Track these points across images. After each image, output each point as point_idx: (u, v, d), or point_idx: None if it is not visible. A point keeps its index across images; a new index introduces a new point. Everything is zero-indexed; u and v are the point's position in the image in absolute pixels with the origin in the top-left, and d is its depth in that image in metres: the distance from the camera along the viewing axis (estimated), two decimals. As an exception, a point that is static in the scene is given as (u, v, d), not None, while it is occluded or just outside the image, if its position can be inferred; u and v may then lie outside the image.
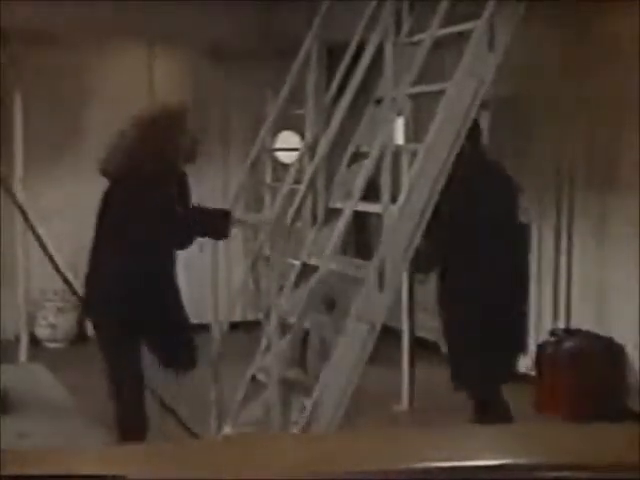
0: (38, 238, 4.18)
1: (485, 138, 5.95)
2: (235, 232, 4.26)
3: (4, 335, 6.12)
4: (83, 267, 6.22)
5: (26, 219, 4.37)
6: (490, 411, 3.73)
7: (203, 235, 3.66)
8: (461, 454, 1.28)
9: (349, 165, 3.94)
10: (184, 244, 3.48)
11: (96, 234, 3.52)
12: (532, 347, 5.30)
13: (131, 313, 3.37)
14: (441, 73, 3.73)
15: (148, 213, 3.27)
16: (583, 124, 5.10)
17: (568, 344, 4.89)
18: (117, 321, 3.40)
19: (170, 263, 3.49)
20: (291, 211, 3.72)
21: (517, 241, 3.84)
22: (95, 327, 3.63)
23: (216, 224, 3.45)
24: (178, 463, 1.27)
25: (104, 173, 3.47)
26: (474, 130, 3.79)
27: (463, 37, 3.70)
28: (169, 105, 3.48)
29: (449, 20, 3.64)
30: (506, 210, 3.80)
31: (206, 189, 6.26)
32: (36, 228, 4.12)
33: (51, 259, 4.30)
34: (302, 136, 4.63)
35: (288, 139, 5.98)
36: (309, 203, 4.00)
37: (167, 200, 3.32)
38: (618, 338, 4.86)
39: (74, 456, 1.34)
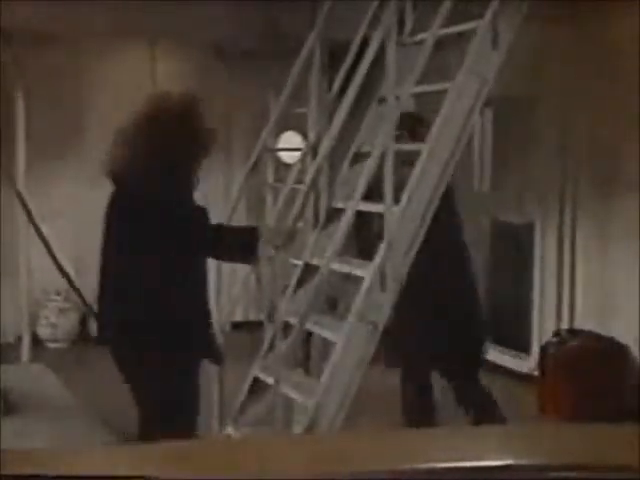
0: (42, 238, 4.18)
1: (488, 136, 5.96)
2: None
3: (6, 335, 6.12)
4: (85, 267, 6.21)
5: (30, 217, 4.37)
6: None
7: (229, 261, 3.48)
8: (465, 455, 1.28)
9: (351, 165, 3.94)
10: (207, 251, 3.13)
11: (105, 247, 3.21)
12: (535, 348, 5.29)
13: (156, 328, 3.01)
14: (444, 72, 3.73)
15: (164, 216, 2.98)
16: (587, 123, 5.09)
17: (572, 344, 4.88)
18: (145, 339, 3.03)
19: (196, 272, 3.10)
20: (293, 211, 3.71)
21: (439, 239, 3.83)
22: (118, 350, 3.17)
23: (244, 249, 3.18)
24: (181, 463, 1.27)
25: (112, 176, 3.16)
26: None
27: (465, 36, 3.69)
28: (173, 98, 3.23)
29: (452, 19, 3.64)
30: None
31: (208, 189, 6.26)
32: (39, 227, 4.11)
33: (54, 258, 4.29)
34: (304, 136, 4.63)
35: (290, 139, 5.98)
36: (311, 203, 4.00)
37: (184, 201, 3.07)
38: (622, 338, 4.85)
39: (76, 456, 1.34)
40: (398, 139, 3.55)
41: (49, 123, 6.20)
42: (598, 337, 4.91)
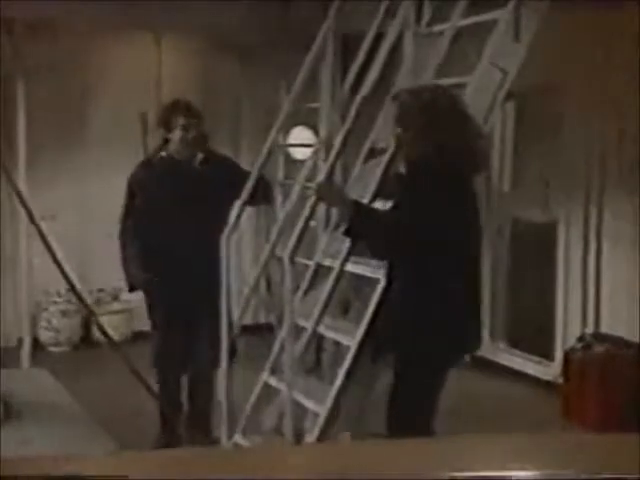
0: (43, 238, 4.20)
1: (509, 132, 5.93)
2: (245, 227, 4.30)
3: (6, 339, 6.15)
4: (86, 268, 6.19)
5: (30, 218, 4.40)
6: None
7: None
8: (486, 464, 1.27)
9: (365, 162, 3.94)
10: None
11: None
12: (559, 354, 5.27)
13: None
14: (463, 65, 3.71)
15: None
16: (614, 120, 5.06)
17: (597, 350, 4.86)
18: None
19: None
20: (305, 210, 3.72)
21: None
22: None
23: None
24: (184, 469, 1.27)
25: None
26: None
27: (486, 27, 3.68)
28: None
29: (472, 8, 3.62)
30: None
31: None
32: (41, 227, 4.14)
33: (55, 259, 4.31)
34: (316, 131, 4.63)
35: (301, 134, 5.98)
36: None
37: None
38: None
39: (78, 463, 1.34)
40: None
41: (51, 116, 6.22)
42: (625, 342, 4.88)
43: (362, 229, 3.18)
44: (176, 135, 4.02)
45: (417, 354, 3.05)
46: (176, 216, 3.96)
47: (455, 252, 3.01)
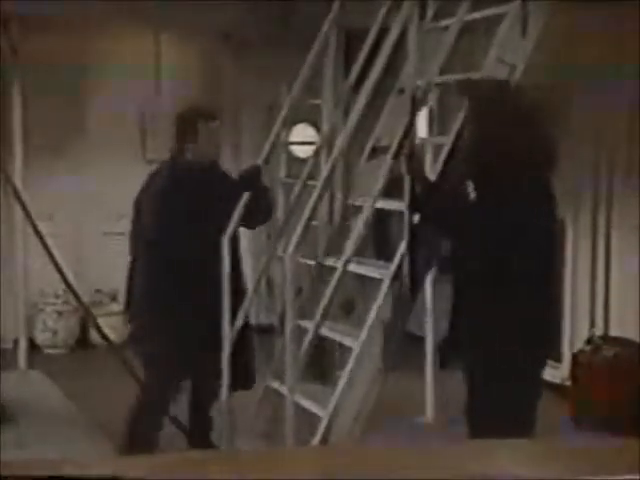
0: (40, 237, 4.21)
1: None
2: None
3: (2, 341, 6.16)
4: (83, 268, 6.18)
5: (28, 217, 4.41)
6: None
7: None
8: (494, 469, 1.27)
9: (369, 159, 3.94)
10: None
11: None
12: (567, 356, 5.26)
13: None
14: (469, 60, 3.72)
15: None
16: (623, 118, 5.06)
17: (606, 352, 4.86)
18: None
19: None
20: (307, 209, 3.72)
21: None
22: None
23: None
24: (185, 471, 1.28)
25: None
26: None
27: (493, 21, 3.68)
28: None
29: (479, 3, 3.62)
30: None
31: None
32: (37, 226, 4.15)
33: (53, 260, 4.32)
34: (318, 129, 4.63)
35: (304, 132, 5.98)
36: (325, 200, 4.00)
37: None
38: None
39: (73, 467, 1.35)
40: None
41: (47, 115, 6.23)
42: (634, 344, 4.88)
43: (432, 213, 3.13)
44: (194, 144, 3.84)
45: (496, 359, 2.96)
46: (194, 226, 3.77)
47: (530, 251, 2.96)
